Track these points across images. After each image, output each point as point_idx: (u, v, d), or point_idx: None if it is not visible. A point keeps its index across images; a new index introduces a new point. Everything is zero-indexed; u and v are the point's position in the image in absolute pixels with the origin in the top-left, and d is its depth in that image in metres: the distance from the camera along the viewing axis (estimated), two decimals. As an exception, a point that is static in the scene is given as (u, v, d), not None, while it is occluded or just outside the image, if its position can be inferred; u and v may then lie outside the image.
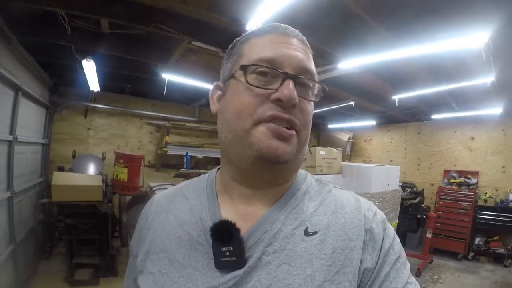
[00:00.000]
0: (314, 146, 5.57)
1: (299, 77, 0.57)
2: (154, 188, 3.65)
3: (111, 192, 4.05)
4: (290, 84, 0.54)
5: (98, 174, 4.42)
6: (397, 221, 3.95)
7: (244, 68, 0.57)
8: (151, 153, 5.88)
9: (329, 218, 0.59)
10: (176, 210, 0.66)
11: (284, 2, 2.18)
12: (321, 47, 3.11)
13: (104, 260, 3.95)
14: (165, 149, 5.62)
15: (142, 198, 3.91)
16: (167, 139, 5.71)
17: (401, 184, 5.69)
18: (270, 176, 0.59)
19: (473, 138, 6.32)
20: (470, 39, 2.67)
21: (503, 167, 5.88)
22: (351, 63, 3.28)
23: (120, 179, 4.15)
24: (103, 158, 4.98)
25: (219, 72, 0.69)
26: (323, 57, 3.33)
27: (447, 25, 2.69)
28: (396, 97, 4.51)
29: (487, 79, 3.62)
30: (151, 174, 5.55)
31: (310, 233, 0.56)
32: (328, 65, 3.47)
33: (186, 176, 4.77)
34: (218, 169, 0.70)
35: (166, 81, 4.05)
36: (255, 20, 2.53)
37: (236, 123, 0.56)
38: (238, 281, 0.53)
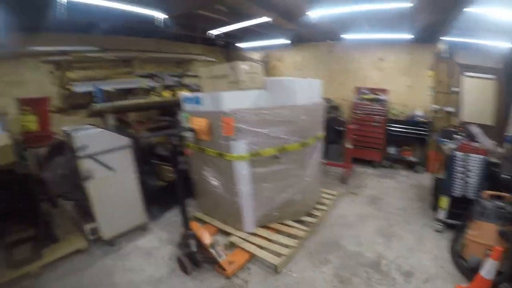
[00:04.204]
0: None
1: None
2: (71, 132, 3.14)
3: (23, 149, 3.44)
4: None
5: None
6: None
7: None
8: (55, 96, 4.97)
9: None
10: None
11: None
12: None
13: (40, 229, 3.42)
14: (68, 87, 4.79)
15: (60, 147, 3.38)
16: (69, 74, 4.90)
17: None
18: None
19: (382, 59, 6.89)
20: None
21: (410, 86, 6.64)
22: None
23: (31, 129, 3.53)
24: (5, 113, 4.03)
25: None
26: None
27: None
28: (311, 14, 4.44)
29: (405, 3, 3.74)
30: (60, 119, 4.73)
31: None
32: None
33: (103, 114, 4.26)
34: None
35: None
36: None
37: None
38: None
